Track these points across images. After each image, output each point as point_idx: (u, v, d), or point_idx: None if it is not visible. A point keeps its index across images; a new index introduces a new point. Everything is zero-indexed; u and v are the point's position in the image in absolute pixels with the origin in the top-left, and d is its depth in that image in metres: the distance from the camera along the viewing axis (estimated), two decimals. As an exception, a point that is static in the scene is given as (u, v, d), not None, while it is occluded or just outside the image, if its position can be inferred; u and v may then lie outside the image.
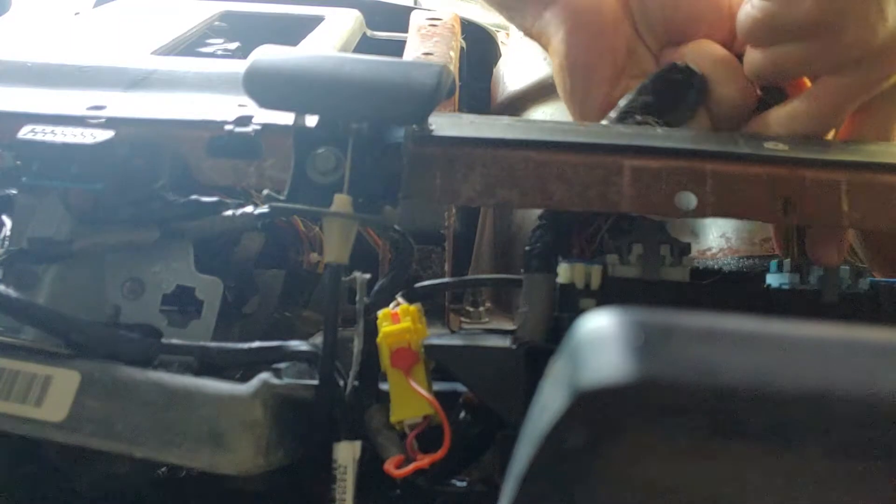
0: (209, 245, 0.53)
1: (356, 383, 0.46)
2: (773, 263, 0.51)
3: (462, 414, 0.50)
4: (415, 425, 0.46)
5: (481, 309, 0.69)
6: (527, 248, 0.49)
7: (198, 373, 0.46)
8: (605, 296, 0.47)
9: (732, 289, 0.50)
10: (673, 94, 0.55)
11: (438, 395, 0.47)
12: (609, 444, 0.23)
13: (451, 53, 0.81)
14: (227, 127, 0.48)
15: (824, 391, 0.21)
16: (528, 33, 0.61)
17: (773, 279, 0.51)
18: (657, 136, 0.50)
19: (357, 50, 0.84)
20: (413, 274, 0.59)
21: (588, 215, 0.50)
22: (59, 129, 0.47)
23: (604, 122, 0.55)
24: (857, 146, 0.51)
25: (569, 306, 0.48)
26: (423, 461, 0.44)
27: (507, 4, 0.61)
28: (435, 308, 0.65)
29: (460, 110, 0.76)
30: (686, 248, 0.49)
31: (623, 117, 0.54)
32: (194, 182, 0.48)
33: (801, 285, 0.49)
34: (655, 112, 0.54)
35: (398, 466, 0.45)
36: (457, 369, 0.48)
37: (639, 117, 0.54)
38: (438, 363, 0.48)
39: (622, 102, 0.55)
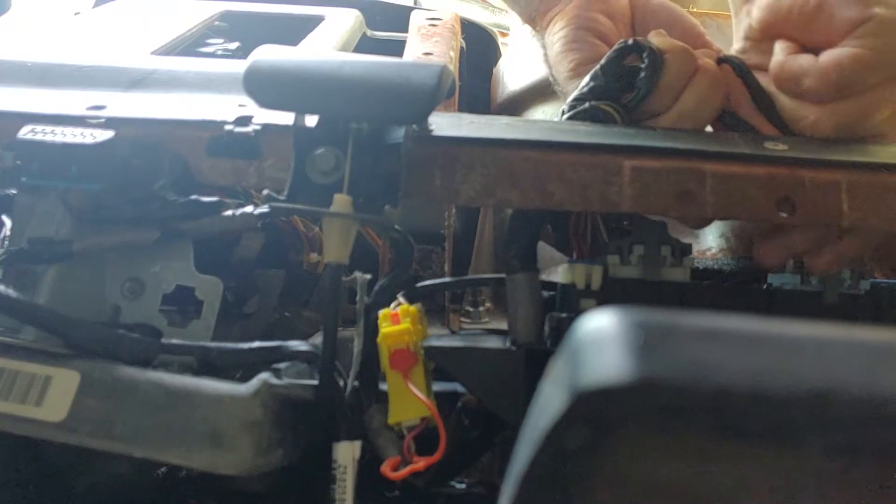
0: (209, 245, 0.53)
1: (356, 383, 0.46)
2: None
3: (461, 417, 0.50)
4: (412, 427, 0.46)
5: (481, 309, 0.69)
6: (503, 250, 0.49)
7: (198, 373, 0.46)
8: (606, 296, 0.47)
9: (734, 289, 0.50)
10: (626, 74, 0.53)
11: (438, 396, 0.47)
12: (609, 444, 0.23)
13: (451, 53, 0.81)
14: (227, 127, 0.48)
15: (824, 391, 0.21)
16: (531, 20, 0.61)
17: (774, 279, 0.51)
18: (657, 136, 0.50)
19: (357, 50, 0.84)
20: (413, 274, 0.59)
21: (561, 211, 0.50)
22: (59, 129, 0.47)
23: (563, 108, 0.54)
24: (857, 146, 0.51)
25: (569, 307, 0.48)
26: (419, 463, 0.44)
27: None
28: (435, 308, 0.65)
29: (460, 110, 0.76)
30: (687, 249, 0.49)
31: (574, 106, 0.53)
32: (194, 182, 0.48)
33: (802, 286, 0.49)
34: (608, 96, 0.52)
35: (395, 468, 0.45)
36: (456, 371, 0.48)
37: (592, 103, 0.52)
38: (438, 364, 0.48)
39: (575, 91, 0.54)
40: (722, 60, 0.55)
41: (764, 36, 0.56)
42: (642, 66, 0.52)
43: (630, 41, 0.53)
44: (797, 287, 0.49)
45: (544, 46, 0.62)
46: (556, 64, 0.60)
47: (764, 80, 0.55)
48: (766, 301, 0.49)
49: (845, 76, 0.51)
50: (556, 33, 0.60)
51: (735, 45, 0.58)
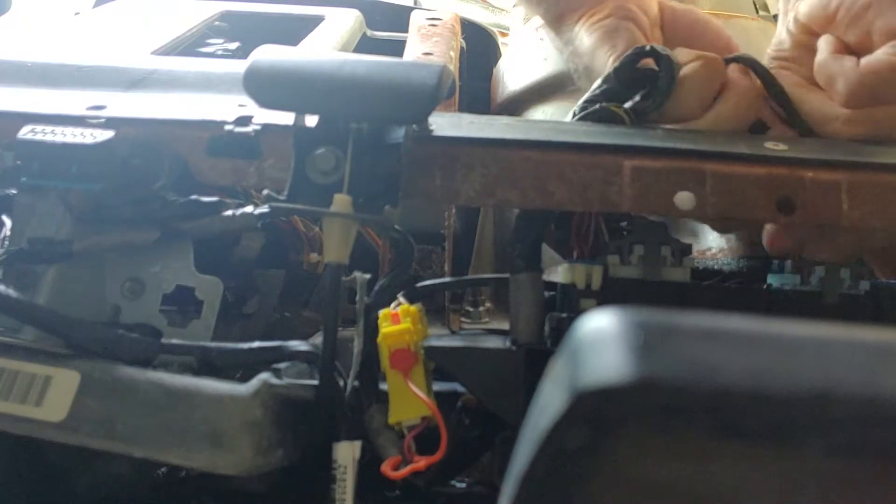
0: (209, 245, 0.53)
1: (356, 383, 0.46)
2: (774, 263, 0.51)
3: (461, 416, 0.50)
4: (413, 427, 0.46)
5: (481, 309, 0.69)
6: (509, 250, 0.49)
7: (198, 373, 0.46)
8: (606, 296, 0.47)
9: (734, 289, 0.50)
10: (638, 79, 0.53)
11: (438, 396, 0.47)
12: (609, 444, 0.23)
13: (451, 53, 0.81)
14: (227, 127, 0.48)
15: (824, 391, 0.21)
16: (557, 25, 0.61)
17: (774, 279, 0.51)
18: (657, 136, 0.50)
19: (357, 50, 0.84)
20: (413, 274, 0.59)
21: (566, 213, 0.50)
22: (59, 129, 0.47)
23: (574, 109, 0.54)
24: (857, 146, 0.51)
25: (570, 307, 0.48)
26: (420, 463, 0.44)
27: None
28: (435, 308, 0.65)
29: (460, 110, 0.76)
30: (687, 249, 0.49)
31: (585, 107, 0.53)
32: (194, 182, 0.48)
33: (801, 286, 0.49)
34: (619, 100, 0.52)
35: (395, 468, 0.45)
36: (456, 371, 0.48)
37: (602, 105, 0.52)
38: (438, 364, 0.48)
39: (587, 93, 0.54)
40: (733, 59, 0.55)
41: (805, 30, 0.56)
42: (658, 72, 0.52)
43: (647, 46, 0.53)
44: (797, 287, 0.49)
45: (570, 42, 0.62)
46: (593, 51, 0.59)
47: (793, 76, 0.55)
48: (766, 301, 0.49)
49: (880, 83, 0.50)
50: (594, 24, 0.59)
51: (776, 38, 0.58)
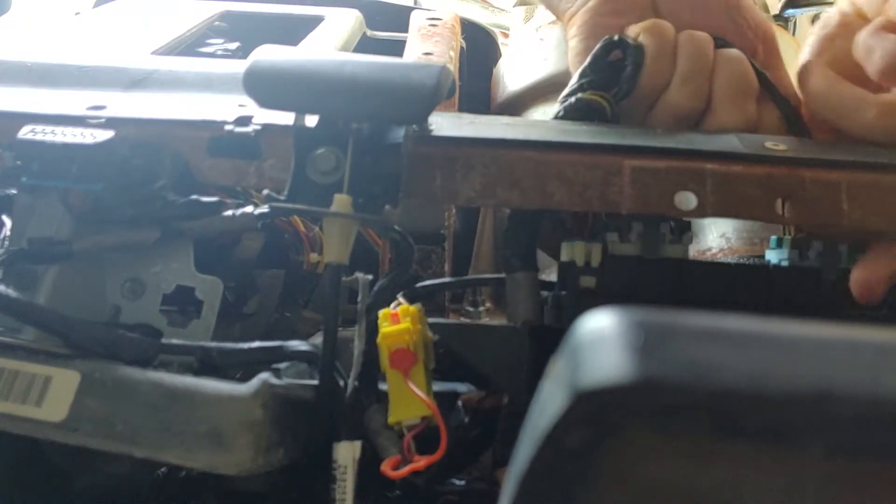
0: (209, 245, 0.53)
1: (356, 383, 0.46)
2: (773, 239, 0.51)
3: (461, 416, 0.50)
4: (412, 426, 0.46)
5: (481, 309, 0.69)
6: (502, 249, 0.50)
7: (198, 373, 0.46)
8: (606, 274, 0.47)
9: (732, 267, 0.50)
10: (611, 68, 0.54)
11: (438, 396, 0.47)
12: (609, 444, 0.23)
13: (451, 53, 0.81)
14: (227, 127, 0.48)
15: (824, 391, 0.21)
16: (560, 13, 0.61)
17: (772, 255, 0.50)
18: (657, 135, 0.50)
19: (357, 50, 0.84)
20: (413, 274, 0.59)
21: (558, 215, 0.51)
22: (59, 129, 0.47)
23: (556, 105, 0.55)
24: (857, 146, 0.51)
25: (569, 284, 0.48)
26: (420, 463, 0.44)
27: None
28: (435, 308, 0.65)
29: (460, 110, 0.76)
30: (686, 226, 0.48)
31: (566, 98, 0.54)
32: (194, 182, 0.48)
33: (800, 262, 0.49)
34: (598, 87, 0.53)
35: (395, 467, 0.45)
36: (462, 348, 0.48)
37: (579, 96, 0.53)
38: (443, 342, 0.48)
39: (567, 88, 0.54)
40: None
41: (858, 13, 0.55)
42: (625, 61, 0.53)
43: (615, 37, 0.54)
44: (796, 263, 0.49)
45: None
46: (572, 70, 0.59)
47: (826, 68, 0.54)
48: (765, 278, 0.49)
49: None
50: (571, 40, 0.59)
51: (823, 17, 0.57)
